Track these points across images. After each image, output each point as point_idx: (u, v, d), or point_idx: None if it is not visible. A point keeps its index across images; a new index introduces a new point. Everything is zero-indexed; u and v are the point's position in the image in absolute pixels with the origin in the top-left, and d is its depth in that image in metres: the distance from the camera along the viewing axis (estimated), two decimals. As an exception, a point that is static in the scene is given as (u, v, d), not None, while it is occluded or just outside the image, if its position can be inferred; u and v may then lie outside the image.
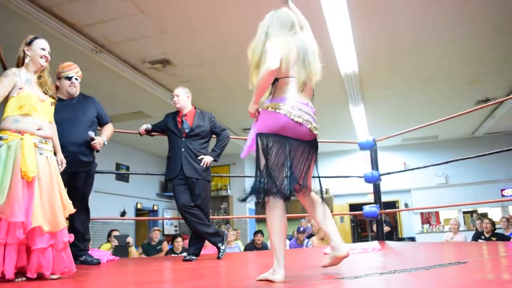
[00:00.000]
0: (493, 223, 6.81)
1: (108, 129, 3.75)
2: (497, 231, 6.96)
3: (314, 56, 2.33)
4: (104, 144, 3.54)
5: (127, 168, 10.71)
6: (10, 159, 2.32)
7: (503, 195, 11.23)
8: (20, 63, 2.64)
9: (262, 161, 2.16)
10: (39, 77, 2.66)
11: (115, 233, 6.43)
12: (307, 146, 2.26)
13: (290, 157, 2.17)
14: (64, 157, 2.84)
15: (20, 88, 2.49)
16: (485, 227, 6.79)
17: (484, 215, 10.08)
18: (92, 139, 3.42)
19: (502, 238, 6.58)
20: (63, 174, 2.71)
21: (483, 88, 8.06)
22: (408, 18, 5.38)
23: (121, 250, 5.91)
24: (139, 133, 4.11)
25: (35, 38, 2.69)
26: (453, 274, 1.99)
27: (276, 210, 2.21)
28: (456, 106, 8.38)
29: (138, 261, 4.72)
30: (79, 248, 3.39)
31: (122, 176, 10.55)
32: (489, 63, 6.90)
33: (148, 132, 4.07)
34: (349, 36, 5.60)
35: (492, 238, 6.60)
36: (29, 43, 2.65)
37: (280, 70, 2.15)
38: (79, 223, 3.39)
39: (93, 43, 5.52)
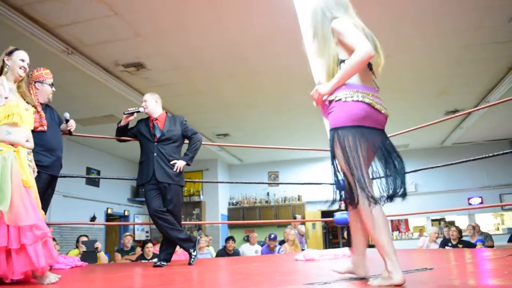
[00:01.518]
0: (459, 231, 6.99)
1: None
2: (464, 238, 7.14)
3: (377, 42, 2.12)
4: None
5: (98, 172, 10.51)
6: (7, 169, 2.39)
7: (469, 204, 11.56)
8: None
9: (350, 160, 1.93)
10: (18, 87, 2.68)
11: (83, 238, 6.29)
12: (382, 134, 2.04)
13: (373, 150, 1.98)
14: (52, 160, 3.09)
15: (6, 98, 2.50)
16: (452, 235, 6.97)
17: (452, 223, 10.34)
18: (67, 121, 3.63)
19: (468, 245, 6.76)
20: (45, 177, 2.94)
21: (452, 100, 8.29)
22: (380, 30, 5.47)
23: (89, 256, 5.78)
24: (119, 134, 3.99)
25: (16, 49, 2.72)
26: (419, 280, 2.03)
27: (375, 207, 1.91)
28: (426, 116, 8.58)
29: (107, 267, 4.63)
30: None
31: (93, 181, 10.33)
32: (458, 76, 7.12)
33: (123, 132, 3.98)
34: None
35: (458, 245, 6.77)
36: (9, 53, 2.68)
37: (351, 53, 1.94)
38: None
39: (65, 44, 5.42)
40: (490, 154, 4.24)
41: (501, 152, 4.18)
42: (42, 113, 3.20)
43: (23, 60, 2.69)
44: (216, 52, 5.99)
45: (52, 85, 3.48)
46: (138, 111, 3.91)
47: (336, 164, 2.07)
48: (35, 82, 3.40)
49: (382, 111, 1.99)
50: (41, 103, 3.35)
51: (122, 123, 3.93)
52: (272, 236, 7.25)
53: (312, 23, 2.20)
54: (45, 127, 3.13)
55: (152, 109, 3.89)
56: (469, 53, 6.26)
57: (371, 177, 2.02)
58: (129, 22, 5.09)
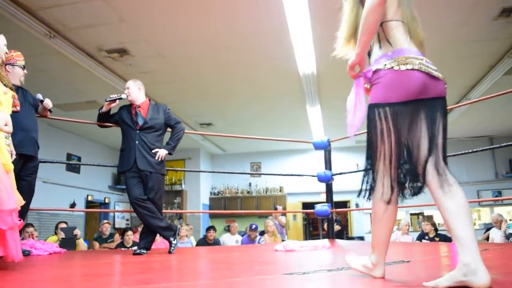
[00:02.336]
0: (433, 224, 7.17)
1: None
2: (442, 232, 7.31)
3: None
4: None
5: (79, 159, 10.38)
6: None
7: (448, 199, 11.76)
8: None
9: (392, 142, 1.64)
10: None
11: (62, 225, 6.23)
12: (442, 104, 1.70)
13: (429, 129, 1.66)
14: (24, 139, 3.12)
15: None
16: (425, 228, 7.17)
17: (430, 217, 10.52)
18: (42, 101, 3.59)
19: (445, 239, 6.91)
20: (19, 157, 2.94)
21: (434, 95, 8.38)
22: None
23: (68, 243, 5.73)
24: (100, 120, 3.93)
25: None
26: (396, 272, 2.07)
27: (391, 204, 1.70)
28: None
29: (86, 254, 4.60)
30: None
31: (73, 167, 10.21)
32: (441, 72, 7.20)
33: (105, 118, 3.91)
34: (309, 37, 5.68)
35: (435, 238, 6.92)
36: None
37: (383, 9, 1.66)
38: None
39: (47, 27, 5.30)
40: (470, 151, 4.31)
41: (480, 149, 4.26)
42: (15, 94, 3.14)
43: (5, 45, 2.62)
44: (201, 41, 5.94)
45: (23, 67, 3.42)
46: (120, 98, 3.87)
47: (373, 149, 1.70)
48: (5, 65, 3.33)
49: (441, 77, 1.69)
50: (13, 85, 3.30)
51: (104, 110, 3.88)
52: (253, 226, 7.28)
53: None
54: (18, 108, 3.08)
55: (135, 96, 3.85)
56: (452, 49, 6.33)
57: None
58: (114, 7, 5.01)
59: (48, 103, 3.61)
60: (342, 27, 1.90)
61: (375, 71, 1.69)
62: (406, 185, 1.74)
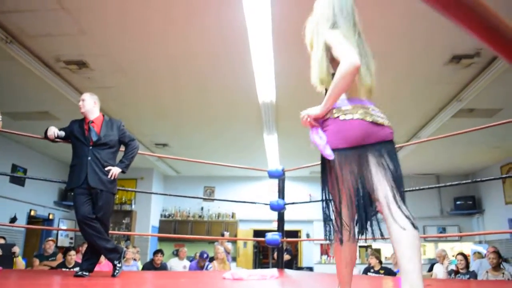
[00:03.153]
0: (377, 257, 7.33)
1: None
2: (387, 265, 7.45)
3: (372, 59, 1.99)
4: None
5: (24, 171, 9.91)
6: None
7: (395, 233, 12.08)
8: None
9: (340, 185, 1.79)
10: None
11: (0, 241, 5.88)
12: (387, 147, 1.85)
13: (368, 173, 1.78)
14: None
15: None
16: (370, 262, 7.32)
17: (377, 251, 10.74)
18: None
19: (389, 272, 7.05)
20: None
21: (386, 133, 8.68)
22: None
23: (5, 260, 5.40)
24: (46, 137, 3.75)
25: None
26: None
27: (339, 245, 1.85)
28: (361, 145, 8.93)
29: (24, 273, 4.34)
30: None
31: (18, 179, 9.71)
32: (393, 111, 7.46)
33: (59, 139, 3.78)
34: (271, 66, 5.77)
35: (380, 271, 7.06)
36: None
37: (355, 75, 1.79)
38: None
39: (4, 32, 5.10)
40: (417, 188, 4.46)
41: (427, 187, 4.42)
42: None
43: None
44: (162, 60, 5.91)
45: None
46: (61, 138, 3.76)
47: (327, 192, 1.89)
48: None
49: (386, 124, 1.83)
50: None
51: (48, 137, 3.73)
52: (205, 255, 7.16)
53: (310, 33, 2.06)
54: None
55: (90, 109, 3.74)
56: (404, 90, 6.62)
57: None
58: (76, 18, 4.91)
59: None
60: (314, 71, 1.97)
61: (334, 118, 1.82)
62: (361, 222, 1.81)
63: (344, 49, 1.77)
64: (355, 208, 1.80)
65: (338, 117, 1.80)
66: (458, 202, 12.28)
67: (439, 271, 6.97)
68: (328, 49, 1.89)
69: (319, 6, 2.05)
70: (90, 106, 3.74)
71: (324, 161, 1.86)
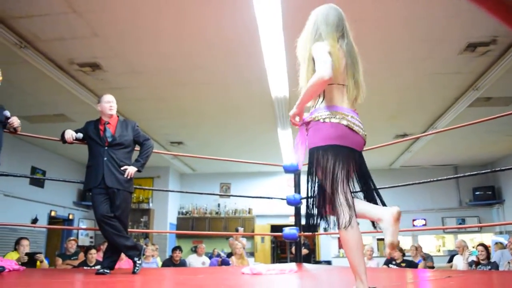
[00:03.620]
0: (400, 250, 7.24)
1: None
2: (408, 258, 7.39)
3: (360, 66, 2.20)
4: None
5: (44, 172, 10.08)
6: None
7: (414, 225, 12.01)
8: None
9: (328, 178, 2.00)
10: None
11: (25, 242, 5.95)
12: (360, 156, 2.13)
13: (352, 168, 2.07)
14: None
15: None
16: (394, 255, 7.22)
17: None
18: (8, 118, 3.47)
19: (411, 265, 7.00)
20: None
21: (402, 124, 8.62)
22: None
23: (29, 265, 5.48)
24: (63, 141, 3.81)
25: None
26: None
27: (352, 229, 1.97)
28: (376, 138, 8.86)
29: (47, 272, 4.43)
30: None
31: (37, 181, 9.89)
32: (408, 102, 7.43)
33: (76, 140, 3.83)
34: (283, 61, 5.76)
35: (401, 264, 7.00)
36: None
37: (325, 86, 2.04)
38: None
39: (18, 37, 5.19)
40: (435, 179, 4.42)
41: (445, 178, 4.38)
42: None
43: None
44: (175, 59, 5.94)
45: None
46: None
47: (313, 185, 2.10)
48: None
49: (360, 133, 2.07)
50: None
51: (66, 140, 3.79)
52: (222, 254, 7.23)
53: (300, 49, 2.28)
54: None
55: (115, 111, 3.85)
56: (420, 80, 6.54)
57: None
58: (88, 21, 4.96)
59: (13, 121, 3.49)
60: (302, 78, 2.21)
61: (316, 120, 2.07)
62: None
63: (319, 63, 1.99)
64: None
65: (325, 120, 2.04)
66: (477, 193, 12.11)
67: (459, 262, 6.89)
68: (313, 60, 2.09)
69: (307, 24, 2.28)
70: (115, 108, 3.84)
71: (315, 156, 2.05)
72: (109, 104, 3.79)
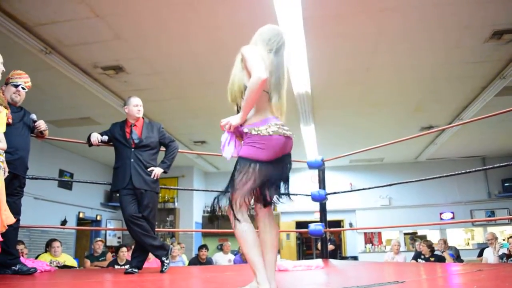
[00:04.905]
0: (429, 245, 7.11)
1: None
2: (437, 253, 7.27)
3: (285, 78, 2.28)
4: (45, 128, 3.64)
5: (71, 175, 10.31)
6: None
7: (441, 219, 11.80)
8: None
9: (238, 181, 2.10)
10: None
11: (56, 244, 6.09)
12: (289, 158, 2.27)
13: (269, 178, 2.15)
14: (14, 159, 2.98)
15: None
16: (422, 249, 7.12)
17: (423, 237, 10.50)
18: (35, 121, 3.53)
19: (440, 259, 6.88)
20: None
21: (427, 116, 8.47)
22: (361, 43, 5.59)
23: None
24: (89, 144, 3.89)
25: None
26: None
27: (244, 223, 2.10)
28: (401, 131, 8.74)
29: (77, 272, 4.53)
30: (13, 256, 3.22)
31: (65, 184, 10.13)
32: (433, 93, 7.28)
33: (102, 143, 3.90)
34: (304, 56, 5.73)
35: (430, 258, 6.90)
36: None
37: (264, 87, 2.07)
38: (11, 228, 3.22)
39: (43, 43, 5.32)
40: (462, 171, 4.33)
41: (473, 170, 4.27)
42: (8, 111, 3.11)
43: (1, 63, 2.64)
44: (195, 59, 5.97)
45: (16, 85, 3.36)
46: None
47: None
48: (5, 84, 3.35)
49: (291, 136, 2.19)
50: (10, 104, 3.28)
51: (92, 143, 3.87)
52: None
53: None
54: (10, 120, 3.05)
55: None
56: (444, 71, 6.41)
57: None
58: (110, 25, 5.04)
59: (40, 125, 3.56)
60: (231, 85, 2.32)
61: (250, 134, 2.10)
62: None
63: (253, 63, 2.04)
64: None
65: (258, 133, 2.08)
66: (506, 184, 11.81)
67: (490, 255, 6.74)
68: (243, 62, 2.15)
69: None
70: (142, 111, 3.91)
71: (242, 164, 2.09)
72: (137, 107, 3.85)
